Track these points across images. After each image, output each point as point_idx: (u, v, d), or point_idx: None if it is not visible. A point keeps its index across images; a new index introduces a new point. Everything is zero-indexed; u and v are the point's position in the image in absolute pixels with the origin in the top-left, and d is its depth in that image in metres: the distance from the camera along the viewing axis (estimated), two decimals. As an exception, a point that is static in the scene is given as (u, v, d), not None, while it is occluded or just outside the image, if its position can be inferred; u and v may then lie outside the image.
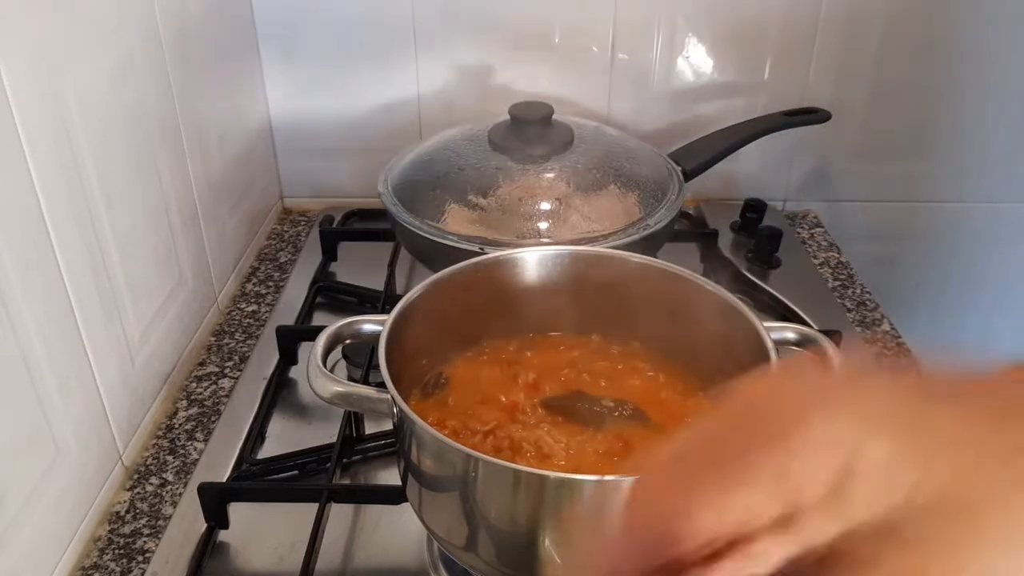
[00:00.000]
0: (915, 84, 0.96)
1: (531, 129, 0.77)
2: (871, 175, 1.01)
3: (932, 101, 0.97)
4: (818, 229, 1.00)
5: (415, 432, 0.45)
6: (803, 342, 0.53)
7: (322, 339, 0.51)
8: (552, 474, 0.42)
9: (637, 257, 0.58)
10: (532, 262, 0.59)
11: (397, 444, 0.51)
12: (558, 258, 0.59)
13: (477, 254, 0.66)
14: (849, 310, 0.84)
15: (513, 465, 0.42)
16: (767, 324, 0.51)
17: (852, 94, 0.96)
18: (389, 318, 0.51)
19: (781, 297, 0.81)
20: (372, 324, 0.52)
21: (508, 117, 0.78)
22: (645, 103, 0.97)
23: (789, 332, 0.54)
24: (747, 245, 0.90)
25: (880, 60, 0.94)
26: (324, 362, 0.50)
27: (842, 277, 0.90)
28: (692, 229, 0.96)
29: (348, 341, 0.53)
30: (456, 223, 0.72)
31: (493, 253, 0.59)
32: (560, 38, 0.94)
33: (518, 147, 0.76)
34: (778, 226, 0.89)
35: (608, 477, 0.42)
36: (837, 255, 0.95)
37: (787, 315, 0.79)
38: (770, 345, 0.49)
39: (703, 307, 0.55)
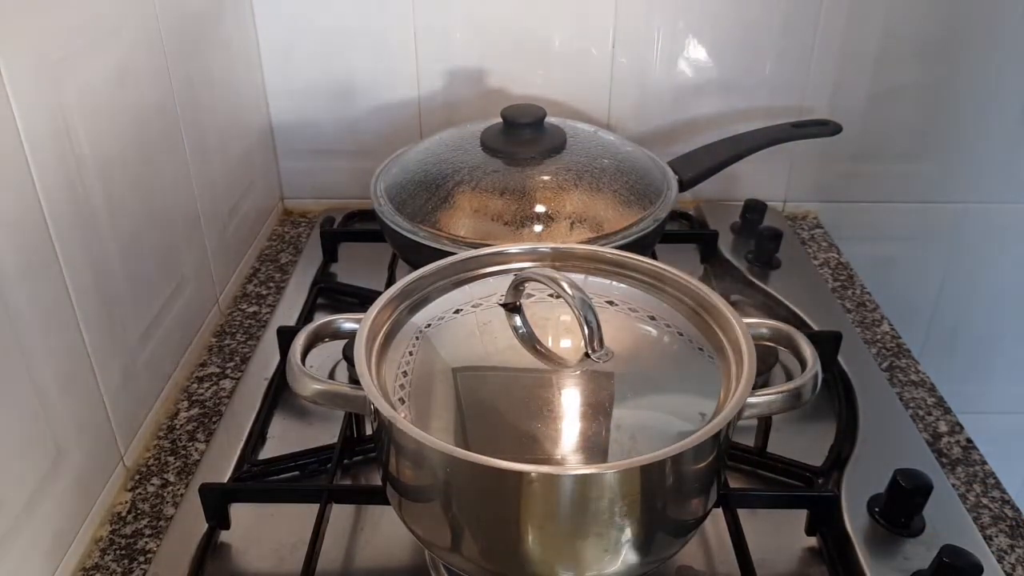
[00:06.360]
0: (915, 84, 0.96)
1: (523, 132, 0.77)
2: (871, 175, 1.01)
3: (932, 101, 0.97)
4: (818, 230, 1.00)
5: (392, 431, 0.45)
6: (776, 338, 0.53)
7: (300, 338, 0.51)
8: (532, 469, 0.42)
9: (628, 256, 0.58)
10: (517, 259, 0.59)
11: (375, 442, 0.51)
12: (542, 256, 0.59)
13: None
14: (849, 311, 0.84)
15: (492, 461, 0.41)
16: (747, 320, 0.51)
17: (852, 94, 0.96)
18: (367, 316, 0.51)
19: (781, 298, 0.81)
20: (350, 323, 0.53)
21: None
22: (645, 105, 0.97)
23: (763, 328, 0.53)
24: (747, 246, 0.90)
25: (880, 60, 0.94)
26: (303, 361, 0.50)
27: (842, 278, 0.91)
28: (692, 230, 0.96)
29: (326, 340, 0.53)
30: (446, 226, 0.72)
31: (476, 251, 0.59)
32: (560, 40, 0.94)
33: (510, 150, 0.76)
34: (778, 227, 0.89)
35: (587, 471, 0.42)
36: (837, 256, 0.95)
37: (787, 316, 0.79)
38: (747, 341, 0.49)
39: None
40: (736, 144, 0.85)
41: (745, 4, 0.91)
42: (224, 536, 0.59)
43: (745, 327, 0.50)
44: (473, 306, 0.54)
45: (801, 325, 0.77)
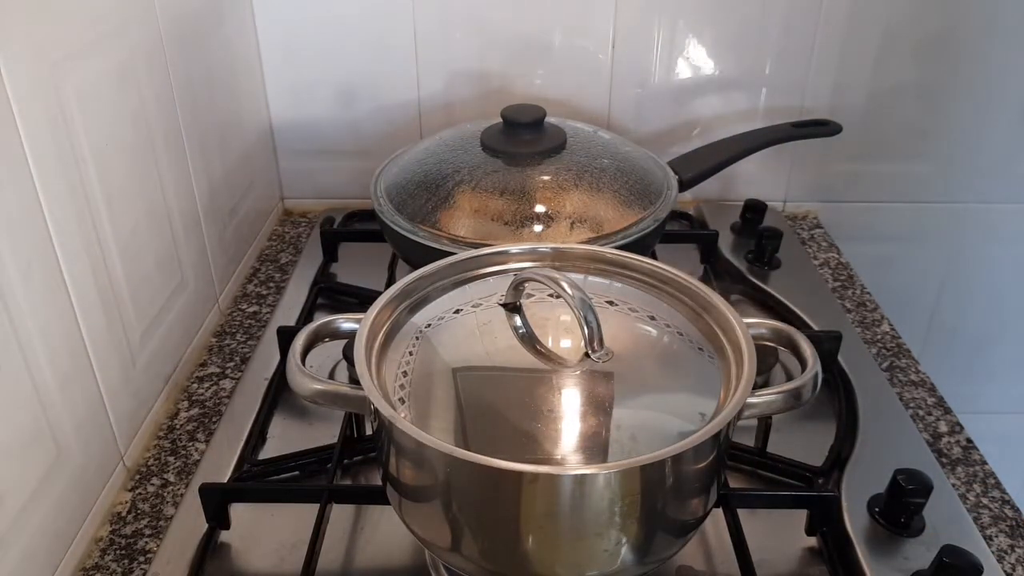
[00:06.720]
0: (915, 84, 0.96)
1: (523, 132, 0.77)
2: (871, 175, 1.01)
3: (932, 101, 0.97)
4: (818, 230, 1.00)
5: (392, 431, 0.45)
6: (776, 338, 0.53)
7: (300, 338, 0.52)
8: (532, 469, 0.42)
9: (628, 256, 0.58)
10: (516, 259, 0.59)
11: (375, 442, 0.51)
12: (543, 257, 0.59)
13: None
14: (849, 311, 0.84)
15: (492, 461, 0.41)
16: (747, 320, 0.51)
17: (852, 94, 0.96)
18: (367, 316, 0.51)
19: (781, 298, 0.81)
20: (350, 323, 0.53)
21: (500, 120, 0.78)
22: (646, 105, 0.97)
23: (763, 328, 0.53)
24: (747, 246, 0.90)
25: (880, 60, 0.94)
26: (303, 361, 0.50)
27: (842, 278, 0.91)
28: (692, 230, 0.96)
29: (326, 340, 0.53)
30: (446, 226, 0.72)
31: (476, 251, 0.59)
32: (560, 40, 0.94)
33: (510, 150, 0.76)
34: (778, 227, 0.89)
35: (587, 471, 0.42)
36: (837, 256, 0.95)
37: (787, 316, 0.79)
38: (747, 341, 0.49)
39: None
40: (736, 144, 0.85)
41: (745, 4, 0.91)
42: (224, 536, 0.59)
43: (745, 327, 0.50)
44: (473, 306, 0.55)
45: (801, 325, 0.77)
